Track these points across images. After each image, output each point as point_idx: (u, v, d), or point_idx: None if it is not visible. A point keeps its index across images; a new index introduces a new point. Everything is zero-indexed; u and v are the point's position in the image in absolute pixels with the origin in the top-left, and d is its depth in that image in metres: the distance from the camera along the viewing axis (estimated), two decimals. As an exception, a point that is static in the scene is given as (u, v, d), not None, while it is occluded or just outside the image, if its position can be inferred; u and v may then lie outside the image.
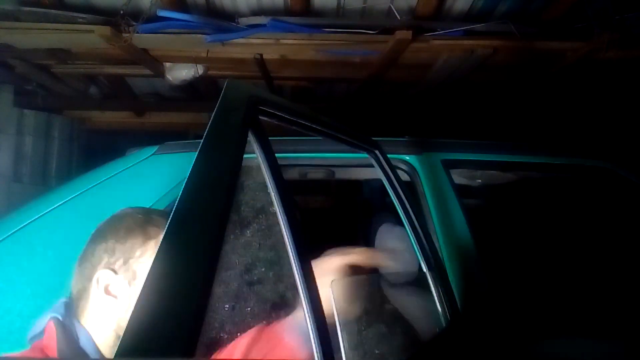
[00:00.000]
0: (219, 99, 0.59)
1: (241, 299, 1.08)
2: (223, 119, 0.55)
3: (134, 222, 1.03)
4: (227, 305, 1.02)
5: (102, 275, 0.98)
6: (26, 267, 1.46)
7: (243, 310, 1.07)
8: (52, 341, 0.92)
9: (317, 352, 0.59)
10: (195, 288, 0.34)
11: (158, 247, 0.81)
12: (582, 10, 2.49)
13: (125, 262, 0.98)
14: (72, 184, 1.69)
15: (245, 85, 0.67)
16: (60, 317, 0.96)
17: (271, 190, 0.62)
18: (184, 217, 0.40)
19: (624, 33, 2.53)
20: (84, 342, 0.95)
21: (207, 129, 0.53)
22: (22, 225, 1.52)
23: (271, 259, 1.07)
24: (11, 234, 1.50)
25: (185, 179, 0.46)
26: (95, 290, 0.98)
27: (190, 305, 0.32)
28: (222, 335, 1.07)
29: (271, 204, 0.62)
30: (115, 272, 0.98)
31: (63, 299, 1.03)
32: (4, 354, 1.07)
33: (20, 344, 1.34)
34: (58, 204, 1.57)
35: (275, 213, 0.61)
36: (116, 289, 0.97)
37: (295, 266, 0.59)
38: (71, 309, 1.00)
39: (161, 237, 0.89)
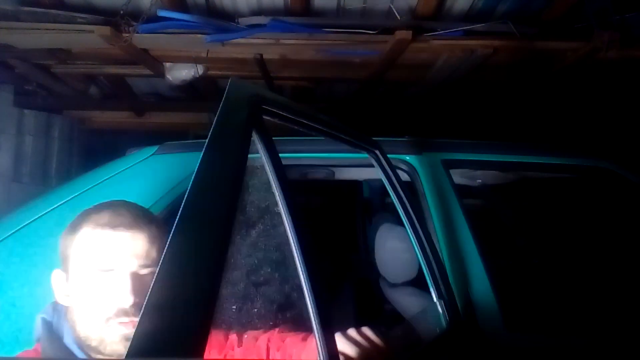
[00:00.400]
0: (223, 99, 0.59)
1: (247, 299, 1.08)
2: (227, 118, 0.55)
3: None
4: (234, 306, 1.02)
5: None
6: (26, 267, 1.46)
7: (250, 310, 1.07)
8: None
9: (321, 352, 0.59)
10: (203, 288, 0.34)
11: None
12: (582, 10, 2.49)
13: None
14: (72, 184, 1.68)
15: (248, 85, 0.67)
16: (46, 317, 1.00)
17: (275, 190, 0.62)
18: (191, 217, 0.40)
19: (624, 33, 2.53)
20: (67, 340, 0.96)
21: (211, 129, 0.52)
22: (22, 225, 1.52)
23: (276, 259, 1.07)
24: (11, 234, 1.50)
25: (186, 179, 0.46)
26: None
27: (199, 304, 0.32)
28: (229, 335, 1.06)
29: (275, 203, 0.62)
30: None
31: (51, 302, 1.05)
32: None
33: (20, 343, 1.35)
34: (58, 204, 1.57)
35: (279, 212, 0.61)
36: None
37: (300, 265, 0.59)
38: (61, 308, 1.02)
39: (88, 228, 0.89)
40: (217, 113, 0.55)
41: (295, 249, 0.59)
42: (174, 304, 0.31)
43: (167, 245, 0.38)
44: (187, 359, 0.29)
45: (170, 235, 0.38)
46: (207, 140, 0.50)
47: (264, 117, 0.66)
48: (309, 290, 0.56)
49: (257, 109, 0.64)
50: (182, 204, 0.41)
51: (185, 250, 0.37)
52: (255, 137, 0.61)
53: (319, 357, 0.59)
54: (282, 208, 0.60)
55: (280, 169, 0.63)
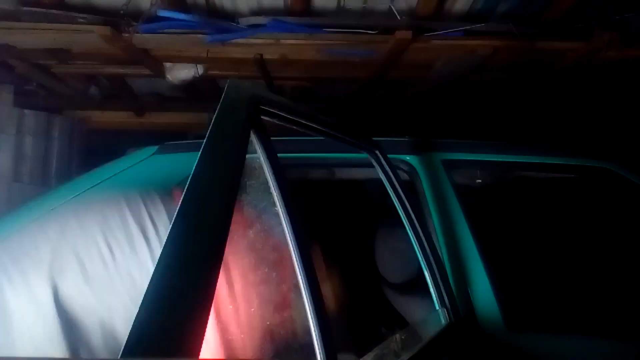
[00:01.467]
0: (221, 99, 0.59)
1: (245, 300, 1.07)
2: (225, 119, 0.55)
3: None
4: (231, 306, 1.02)
5: None
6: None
7: (247, 310, 1.06)
8: None
9: (319, 350, 0.59)
10: (199, 288, 0.34)
11: None
12: (582, 10, 2.49)
13: None
14: (72, 184, 1.69)
15: (246, 85, 0.67)
16: None
17: (273, 190, 0.62)
18: (188, 217, 0.40)
19: (624, 33, 2.53)
20: None
21: (209, 129, 0.52)
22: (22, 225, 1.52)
23: (273, 259, 1.07)
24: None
25: (186, 179, 0.46)
26: None
27: (194, 305, 0.32)
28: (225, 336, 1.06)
29: (273, 203, 0.61)
30: None
31: None
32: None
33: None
34: (58, 204, 1.57)
35: (277, 212, 0.61)
36: None
37: (298, 264, 0.58)
38: None
39: None
40: (215, 113, 0.55)
41: (294, 249, 0.59)
42: (170, 303, 0.31)
43: (164, 244, 0.38)
44: (182, 358, 0.29)
45: (167, 235, 0.38)
46: (204, 141, 0.50)
47: (263, 117, 0.66)
48: (307, 289, 0.56)
49: (256, 109, 0.64)
50: (179, 203, 0.41)
51: (182, 249, 0.37)
52: (253, 138, 0.61)
53: (317, 354, 0.59)
54: (280, 208, 0.60)
55: (278, 169, 0.62)
